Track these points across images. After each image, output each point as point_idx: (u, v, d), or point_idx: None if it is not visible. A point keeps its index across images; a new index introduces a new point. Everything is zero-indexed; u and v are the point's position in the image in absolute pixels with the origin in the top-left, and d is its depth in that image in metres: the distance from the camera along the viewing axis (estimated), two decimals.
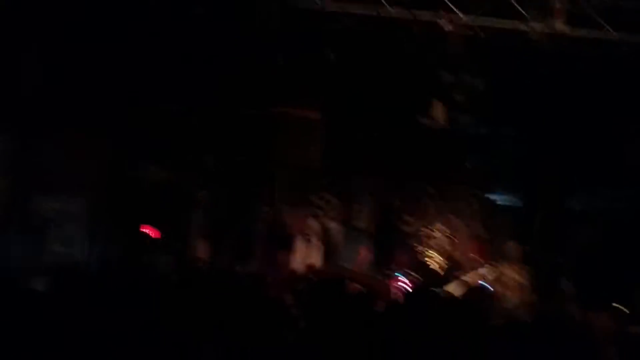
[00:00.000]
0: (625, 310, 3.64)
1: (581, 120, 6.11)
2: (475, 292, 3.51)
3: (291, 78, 5.14)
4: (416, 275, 6.11)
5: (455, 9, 4.35)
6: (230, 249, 7.21)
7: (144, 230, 6.16)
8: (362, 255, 6.79)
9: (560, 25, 4.58)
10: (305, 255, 6.40)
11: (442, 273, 6.14)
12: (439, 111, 4.42)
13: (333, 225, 7.27)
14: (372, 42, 5.12)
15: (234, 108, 5.12)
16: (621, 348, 2.32)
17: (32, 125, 4.46)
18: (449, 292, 5.03)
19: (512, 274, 5.50)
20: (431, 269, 6.20)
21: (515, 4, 4.53)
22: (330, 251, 6.79)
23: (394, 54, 4.85)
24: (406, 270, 6.28)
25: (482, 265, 6.25)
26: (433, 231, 6.39)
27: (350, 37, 5.05)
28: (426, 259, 6.25)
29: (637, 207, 6.03)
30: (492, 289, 5.32)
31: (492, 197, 7.86)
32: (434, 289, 4.31)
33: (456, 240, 7.30)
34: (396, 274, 6.09)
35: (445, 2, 4.37)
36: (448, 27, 4.28)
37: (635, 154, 5.77)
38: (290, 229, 7.20)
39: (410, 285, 5.31)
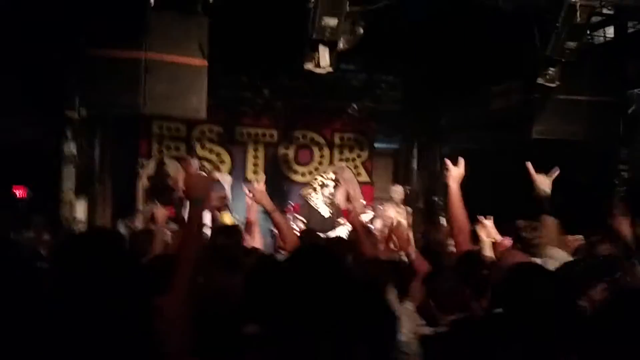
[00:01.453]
0: None
1: (450, 66, 6.49)
2: (355, 234, 3.66)
3: (168, 22, 4.82)
4: (304, 221, 6.26)
5: None
6: (108, 206, 6.85)
7: (15, 190, 5.66)
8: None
9: None
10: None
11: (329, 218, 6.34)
12: (325, 57, 4.43)
13: (224, 179, 7.15)
14: None
15: (106, 53, 4.70)
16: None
17: None
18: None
19: (397, 216, 5.83)
20: (320, 214, 6.38)
21: None
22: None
23: None
24: (296, 216, 6.40)
25: (368, 209, 6.56)
26: (323, 178, 6.54)
27: None
28: (315, 205, 6.42)
29: (504, 147, 6.61)
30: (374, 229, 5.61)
31: (374, 142, 8.20)
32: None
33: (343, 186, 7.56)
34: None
35: None
36: None
37: (498, 98, 6.26)
38: (174, 182, 6.96)
39: (299, 231, 5.42)
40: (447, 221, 4.14)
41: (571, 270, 2.24)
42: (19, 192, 5.86)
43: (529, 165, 3.11)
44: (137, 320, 1.60)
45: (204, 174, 6.11)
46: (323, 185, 6.46)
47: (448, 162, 3.28)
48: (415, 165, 8.13)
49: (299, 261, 1.86)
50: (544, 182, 3.02)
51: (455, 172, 3.19)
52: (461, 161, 3.23)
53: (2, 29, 4.30)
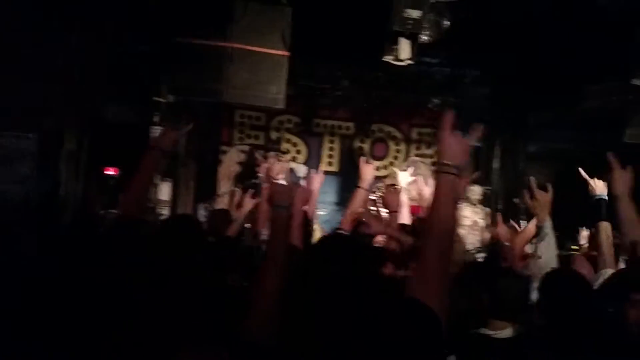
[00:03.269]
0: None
1: (541, 62, 6.14)
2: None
3: (253, 12, 4.93)
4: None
5: None
6: (191, 189, 7.16)
7: (108, 171, 6.06)
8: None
9: None
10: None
11: None
12: (405, 50, 4.34)
13: (299, 168, 7.26)
14: None
15: (192, 42, 4.90)
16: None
17: None
18: None
19: (473, 216, 5.64)
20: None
21: None
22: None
23: None
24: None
25: None
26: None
27: None
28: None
29: (591, 148, 6.19)
30: None
31: None
32: None
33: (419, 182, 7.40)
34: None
35: None
36: None
37: (592, 98, 5.87)
38: (255, 170, 7.15)
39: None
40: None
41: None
42: (111, 171, 6.25)
43: (581, 170, 2.91)
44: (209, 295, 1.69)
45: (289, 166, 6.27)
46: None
47: (613, 159, 2.63)
48: (496, 164, 7.79)
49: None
50: (599, 187, 2.81)
51: (622, 176, 2.63)
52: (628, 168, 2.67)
53: (99, 20, 4.58)
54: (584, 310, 1.63)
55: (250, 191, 4.32)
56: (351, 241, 1.98)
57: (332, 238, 2.14)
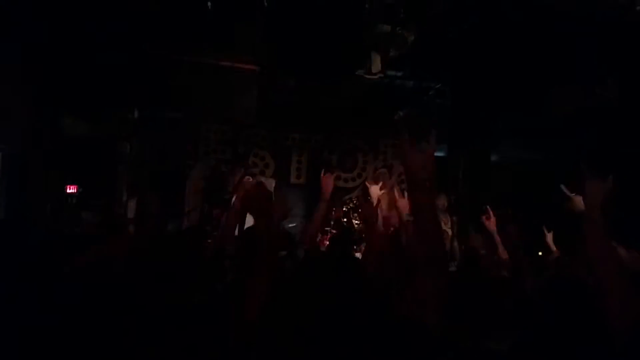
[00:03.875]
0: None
1: (505, 72, 6.34)
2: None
3: (223, 26, 4.92)
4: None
5: None
6: (159, 206, 7.01)
7: (69, 189, 5.90)
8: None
9: None
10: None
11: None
12: (377, 64, 4.41)
13: (268, 182, 7.23)
14: None
15: (162, 57, 4.85)
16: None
17: None
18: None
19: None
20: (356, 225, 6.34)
21: None
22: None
23: (331, 3, 4.76)
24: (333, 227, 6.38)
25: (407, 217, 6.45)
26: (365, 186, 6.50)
27: None
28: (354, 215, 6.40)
29: (556, 156, 6.41)
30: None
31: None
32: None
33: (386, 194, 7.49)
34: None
35: None
36: None
37: (555, 105, 6.08)
38: (224, 186, 7.08)
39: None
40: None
41: None
42: (71, 189, 6.08)
43: (563, 187, 2.95)
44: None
45: (258, 180, 6.23)
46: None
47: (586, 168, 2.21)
48: (461, 174, 7.97)
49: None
50: (580, 203, 2.82)
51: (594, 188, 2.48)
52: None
53: (69, 34, 4.49)
54: (588, 315, 1.67)
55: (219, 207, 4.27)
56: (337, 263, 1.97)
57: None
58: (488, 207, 3.71)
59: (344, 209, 6.93)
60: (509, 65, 6.07)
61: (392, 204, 4.54)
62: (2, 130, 3.74)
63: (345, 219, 7.13)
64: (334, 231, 5.96)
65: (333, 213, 6.89)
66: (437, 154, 7.14)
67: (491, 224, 3.62)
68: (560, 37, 5.18)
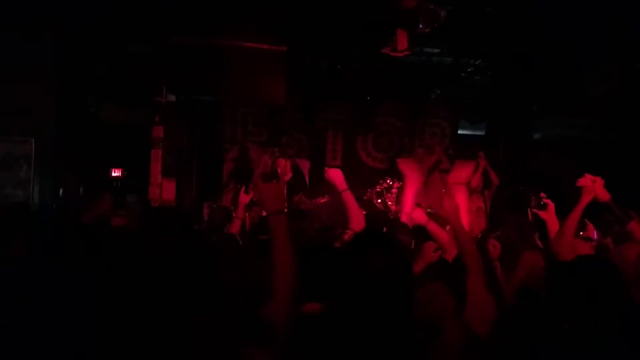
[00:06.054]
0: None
1: (542, 48, 6.07)
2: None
3: (251, 8, 4.91)
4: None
5: None
6: (195, 188, 7.18)
7: (114, 172, 6.10)
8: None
9: None
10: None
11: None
12: (403, 40, 4.29)
13: (301, 163, 7.25)
14: None
15: (192, 42, 4.89)
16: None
17: None
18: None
19: (477, 203, 5.61)
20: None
21: None
22: (299, 190, 6.79)
23: None
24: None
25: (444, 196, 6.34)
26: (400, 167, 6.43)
27: None
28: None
29: (594, 135, 6.14)
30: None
31: (457, 127, 7.89)
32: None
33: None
34: None
35: None
36: None
37: (593, 84, 5.79)
38: (256, 167, 7.15)
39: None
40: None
41: None
42: (116, 172, 6.29)
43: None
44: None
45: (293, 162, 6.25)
46: None
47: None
48: (501, 153, 7.74)
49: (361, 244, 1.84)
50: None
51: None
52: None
53: (100, 22, 4.59)
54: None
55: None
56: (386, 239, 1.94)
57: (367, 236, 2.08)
58: (543, 194, 3.50)
59: (377, 189, 6.87)
60: (550, 38, 5.79)
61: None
62: (37, 120, 3.89)
63: (379, 200, 7.07)
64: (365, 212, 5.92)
65: (367, 194, 6.85)
66: (476, 132, 7.00)
67: (549, 211, 3.41)
68: (606, 9, 4.89)
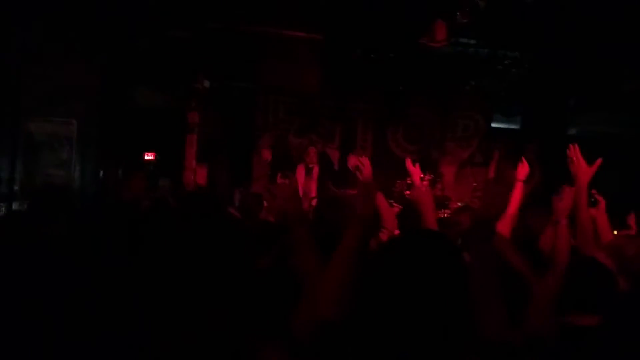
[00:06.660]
0: None
1: (580, 44, 5.92)
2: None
3: None
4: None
5: None
6: (227, 173, 7.27)
7: (147, 156, 6.21)
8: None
9: None
10: (305, 182, 6.42)
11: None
12: (441, 31, 4.24)
13: (332, 152, 7.27)
14: None
15: (227, 29, 4.93)
16: None
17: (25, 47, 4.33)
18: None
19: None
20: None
21: None
22: (328, 178, 6.80)
23: None
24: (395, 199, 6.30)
25: (475, 191, 6.28)
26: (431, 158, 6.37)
27: None
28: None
29: (632, 131, 5.97)
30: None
31: (490, 121, 7.77)
32: None
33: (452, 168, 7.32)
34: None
35: None
36: None
37: (631, 79, 5.63)
38: (289, 154, 7.21)
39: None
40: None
41: None
42: (149, 156, 6.41)
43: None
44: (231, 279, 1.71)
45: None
46: None
47: (577, 149, 2.75)
48: (536, 147, 7.58)
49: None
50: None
51: (587, 167, 2.81)
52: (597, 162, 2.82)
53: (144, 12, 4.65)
54: None
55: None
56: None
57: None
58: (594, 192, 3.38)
59: (407, 181, 6.81)
60: (589, 32, 5.63)
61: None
62: (78, 102, 3.99)
63: (408, 192, 7.02)
64: (396, 205, 5.89)
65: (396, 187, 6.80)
66: (510, 126, 6.90)
67: (600, 208, 3.28)
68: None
